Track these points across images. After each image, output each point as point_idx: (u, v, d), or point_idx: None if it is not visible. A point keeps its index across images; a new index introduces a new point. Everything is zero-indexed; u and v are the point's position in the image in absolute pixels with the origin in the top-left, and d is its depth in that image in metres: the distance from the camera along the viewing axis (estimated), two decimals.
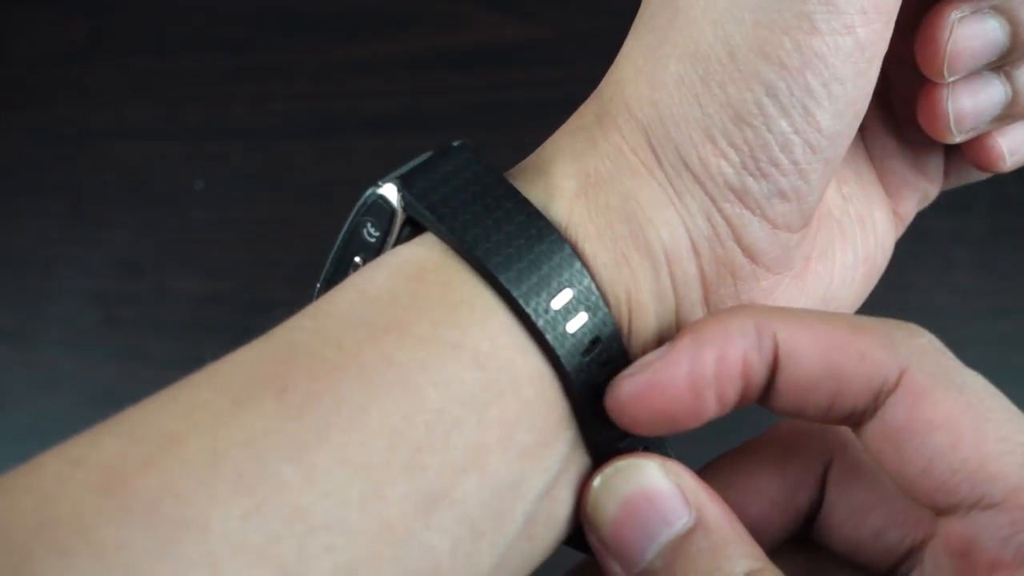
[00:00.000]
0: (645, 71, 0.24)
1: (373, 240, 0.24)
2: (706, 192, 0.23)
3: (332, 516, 0.19)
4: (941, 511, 0.21)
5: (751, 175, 0.23)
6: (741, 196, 0.23)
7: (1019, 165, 0.28)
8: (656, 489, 0.22)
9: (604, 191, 0.23)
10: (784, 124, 0.23)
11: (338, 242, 0.25)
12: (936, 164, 0.29)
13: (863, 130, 0.28)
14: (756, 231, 0.24)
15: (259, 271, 0.53)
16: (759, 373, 0.22)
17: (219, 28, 0.58)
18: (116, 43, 0.58)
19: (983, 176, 0.29)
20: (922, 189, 0.29)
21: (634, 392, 0.22)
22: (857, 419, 0.22)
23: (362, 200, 0.24)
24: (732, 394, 0.22)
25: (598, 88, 0.25)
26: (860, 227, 0.27)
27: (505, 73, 0.56)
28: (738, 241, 0.24)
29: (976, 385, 0.21)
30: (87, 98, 0.57)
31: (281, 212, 0.54)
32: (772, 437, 0.25)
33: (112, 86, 0.57)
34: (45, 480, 0.19)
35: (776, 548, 0.25)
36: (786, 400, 0.22)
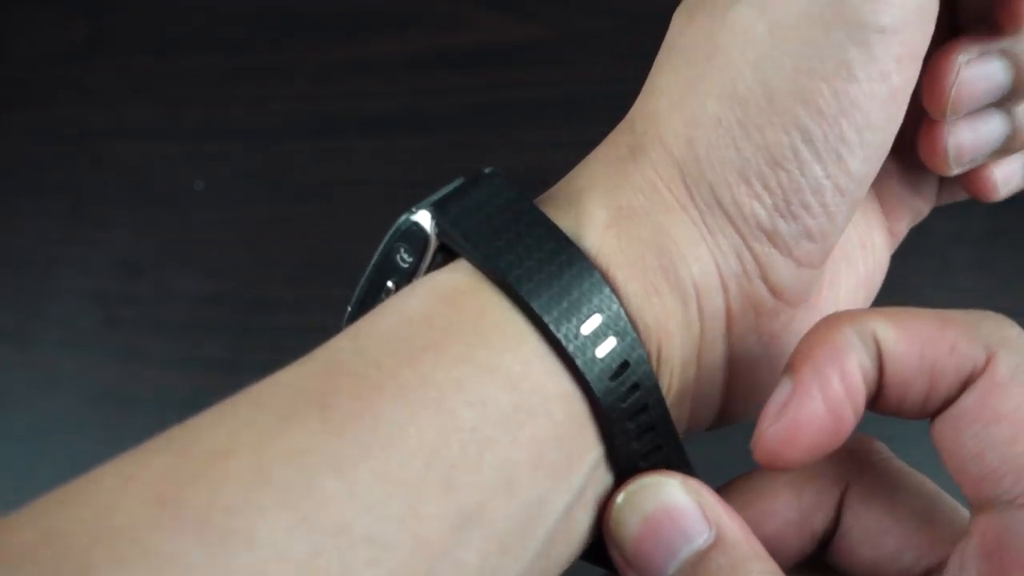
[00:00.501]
0: (681, 107, 0.24)
1: (407, 265, 0.24)
2: (737, 231, 0.24)
3: (373, 531, 0.20)
4: (981, 505, 0.22)
5: (782, 217, 0.24)
6: (771, 236, 0.24)
7: (1011, 193, 0.28)
8: (678, 506, 0.23)
9: (636, 224, 0.24)
10: (818, 169, 0.23)
11: (371, 267, 0.25)
12: (931, 184, 0.29)
13: None
14: (782, 269, 0.24)
15: (259, 271, 0.53)
16: (873, 377, 0.22)
17: (219, 28, 0.58)
18: (116, 43, 0.58)
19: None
20: (916, 207, 0.29)
21: (781, 439, 0.22)
22: (945, 409, 0.22)
23: (395, 226, 0.24)
24: (862, 403, 0.23)
25: (629, 117, 0.25)
26: (862, 250, 0.28)
27: (505, 73, 0.56)
28: (765, 279, 0.24)
29: None
30: (87, 98, 0.57)
31: (281, 212, 0.54)
32: None
33: (112, 86, 0.57)
34: (101, 493, 0.19)
35: (789, 570, 0.25)
36: (888, 399, 0.23)
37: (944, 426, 0.22)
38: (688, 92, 0.24)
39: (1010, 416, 0.21)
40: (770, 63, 0.23)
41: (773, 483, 0.25)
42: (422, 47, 0.57)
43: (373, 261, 0.25)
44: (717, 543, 0.22)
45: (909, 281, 0.49)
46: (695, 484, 0.23)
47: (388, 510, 0.20)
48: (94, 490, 0.19)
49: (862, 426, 0.23)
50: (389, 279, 0.25)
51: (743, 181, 0.23)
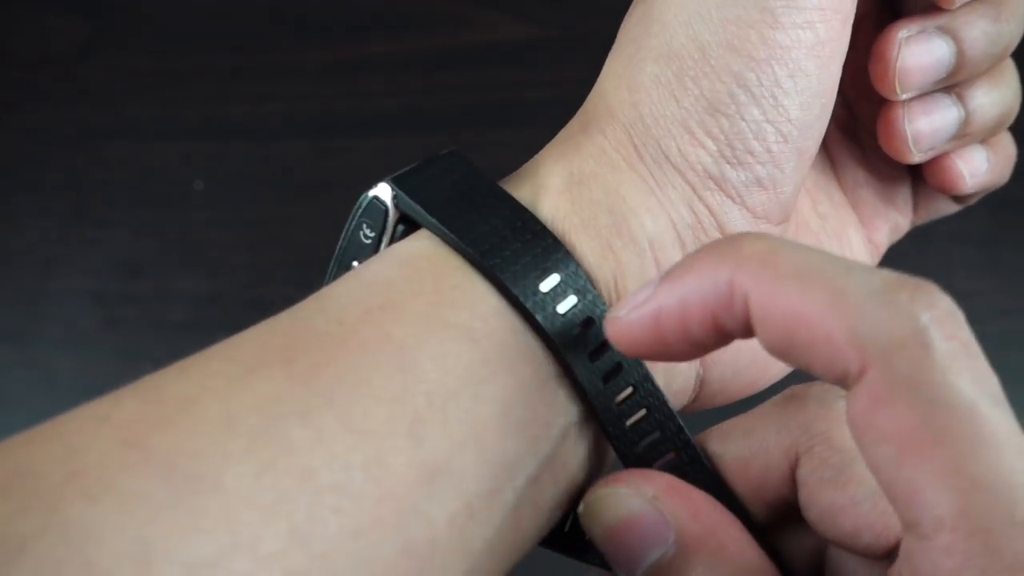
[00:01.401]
0: (625, 77, 0.25)
1: (369, 241, 0.25)
2: (687, 181, 0.25)
3: (338, 479, 0.20)
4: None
5: (728, 163, 0.25)
6: (720, 184, 0.25)
7: (979, 188, 0.29)
8: (635, 517, 0.23)
9: (588, 187, 0.25)
10: (756, 112, 0.24)
11: (338, 248, 0.26)
12: (904, 196, 0.30)
13: (833, 162, 0.30)
14: (737, 219, 0.25)
15: (259, 271, 0.53)
16: (730, 327, 0.21)
17: (219, 28, 0.58)
18: (116, 43, 0.58)
19: (951, 210, 0.31)
20: (892, 220, 0.30)
21: (616, 329, 0.22)
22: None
23: (357, 204, 0.25)
24: (706, 341, 0.21)
25: (584, 104, 0.26)
26: (837, 241, 0.29)
27: (505, 73, 0.56)
28: (721, 229, 0.25)
29: (960, 397, 0.18)
30: (87, 98, 0.57)
31: (281, 212, 0.54)
32: (737, 429, 0.24)
33: (112, 86, 0.57)
34: (73, 433, 0.20)
35: (789, 521, 0.24)
36: (767, 349, 0.21)
37: (849, 420, 0.20)
38: (630, 64, 0.25)
39: (893, 436, 0.18)
40: (699, 19, 0.24)
41: (721, 457, 0.24)
42: (422, 47, 0.57)
43: (340, 243, 0.26)
44: (680, 549, 0.22)
45: None
46: (653, 489, 0.23)
47: (353, 459, 0.20)
48: (64, 431, 0.20)
49: None
50: (355, 259, 0.25)
51: (686, 131, 0.25)
